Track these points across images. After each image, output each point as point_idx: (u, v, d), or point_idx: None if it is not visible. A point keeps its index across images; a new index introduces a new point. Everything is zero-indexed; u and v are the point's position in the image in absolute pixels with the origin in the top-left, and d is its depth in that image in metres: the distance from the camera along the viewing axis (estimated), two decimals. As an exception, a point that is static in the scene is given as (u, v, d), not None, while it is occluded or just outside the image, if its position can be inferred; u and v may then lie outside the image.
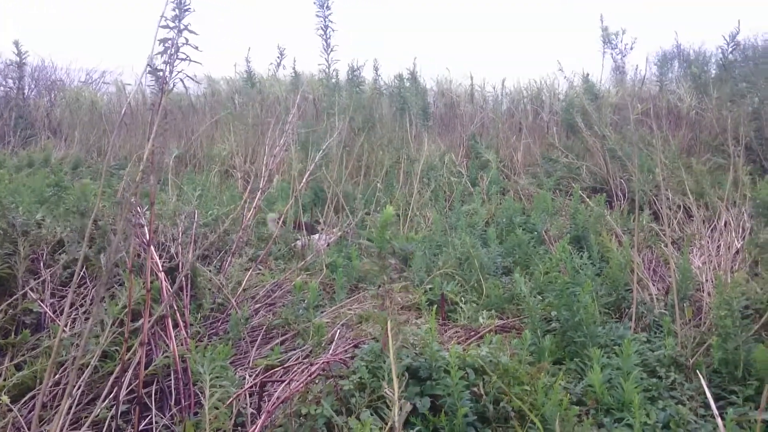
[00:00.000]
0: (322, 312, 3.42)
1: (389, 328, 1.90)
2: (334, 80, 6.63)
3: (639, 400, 2.62)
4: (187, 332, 2.87)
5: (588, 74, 8.08)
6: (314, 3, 6.31)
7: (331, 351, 2.53)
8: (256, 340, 3.04)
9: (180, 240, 3.51)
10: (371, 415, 2.07)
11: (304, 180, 4.44)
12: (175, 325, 2.93)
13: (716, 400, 2.83)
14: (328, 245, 4.68)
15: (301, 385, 2.08)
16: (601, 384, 2.62)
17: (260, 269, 4.18)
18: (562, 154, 7.62)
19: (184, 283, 3.25)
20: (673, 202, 5.59)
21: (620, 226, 4.80)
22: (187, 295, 3.16)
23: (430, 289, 3.66)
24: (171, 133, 10.30)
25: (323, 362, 2.18)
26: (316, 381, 2.22)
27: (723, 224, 4.85)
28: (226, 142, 8.32)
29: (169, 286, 3.16)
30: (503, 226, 5.17)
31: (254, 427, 1.93)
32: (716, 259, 4.18)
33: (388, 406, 2.11)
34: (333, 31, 6.41)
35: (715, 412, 2.19)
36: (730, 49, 12.90)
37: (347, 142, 6.07)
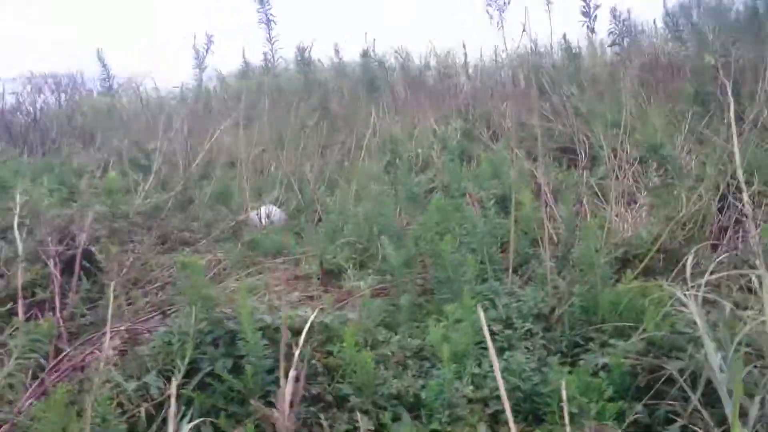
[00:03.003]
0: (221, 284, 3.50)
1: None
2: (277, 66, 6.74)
3: (473, 351, 2.64)
4: (60, 314, 3.01)
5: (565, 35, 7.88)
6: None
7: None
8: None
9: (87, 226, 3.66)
10: (158, 377, 2.16)
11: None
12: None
13: (574, 347, 2.81)
14: (266, 222, 4.76)
15: (96, 352, 2.18)
16: (439, 338, 2.62)
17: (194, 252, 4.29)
18: (544, 117, 7.50)
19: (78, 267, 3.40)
20: (631, 156, 5.45)
21: (557, 182, 4.74)
22: (75, 279, 3.31)
23: (333, 258, 3.71)
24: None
25: (117, 330, 2.28)
26: (125, 347, 2.32)
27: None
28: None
29: (56, 272, 3.32)
30: (453, 193, 5.16)
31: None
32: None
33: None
34: (275, 24, 6.55)
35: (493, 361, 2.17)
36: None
37: (305, 124, 6.16)
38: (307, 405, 2.27)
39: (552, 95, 6.96)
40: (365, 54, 7.61)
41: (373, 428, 2.16)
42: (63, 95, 14.85)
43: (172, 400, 1.33)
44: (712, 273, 3.21)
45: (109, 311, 1.98)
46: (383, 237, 3.24)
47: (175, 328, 2.33)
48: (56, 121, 13.24)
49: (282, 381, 1.17)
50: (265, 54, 6.87)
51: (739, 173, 1.54)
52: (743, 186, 1.55)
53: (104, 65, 9.38)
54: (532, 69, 9.91)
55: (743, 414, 1.91)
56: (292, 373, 1.22)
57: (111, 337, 2.30)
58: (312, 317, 2.57)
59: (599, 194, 4.47)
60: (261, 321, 2.45)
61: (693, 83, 6.42)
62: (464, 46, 10.13)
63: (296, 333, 2.50)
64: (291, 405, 1.68)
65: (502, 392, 1.36)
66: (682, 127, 4.58)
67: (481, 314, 1.49)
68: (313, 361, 2.38)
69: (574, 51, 7.74)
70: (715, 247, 3.70)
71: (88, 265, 3.49)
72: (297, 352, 2.39)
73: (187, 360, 2.21)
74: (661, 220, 3.34)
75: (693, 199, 3.36)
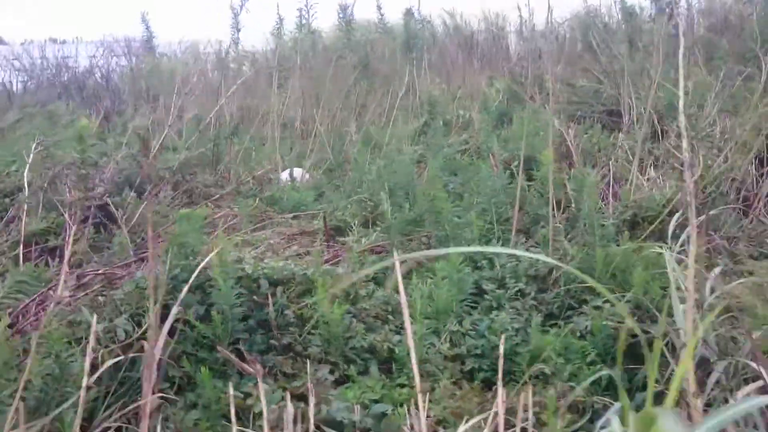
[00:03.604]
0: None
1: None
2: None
3: (458, 309, 2.59)
4: (68, 260, 3.10)
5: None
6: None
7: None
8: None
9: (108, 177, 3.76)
10: (128, 321, 2.20)
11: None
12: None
13: (568, 309, 2.72)
14: (290, 179, 4.77)
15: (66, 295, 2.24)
16: (423, 295, 2.58)
17: (212, 207, 4.35)
18: (593, 78, 7.22)
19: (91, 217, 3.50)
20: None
21: (590, 145, 4.56)
22: (87, 228, 3.41)
23: (341, 215, 3.70)
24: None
25: (93, 274, 2.34)
26: (104, 292, 2.38)
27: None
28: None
29: (70, 221, 3.43)
30: (483, 154, 5.05)
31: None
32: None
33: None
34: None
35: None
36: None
37: (342, 82, 6.11)
38: (276, 354, 2.29)
39: (601, 56, 6.67)
40: (408, 13, 7.47)
41: (333, 379, 2.15)
42: (134, 58, 15.20)
43: (92, 336, 1.34)
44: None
45: (66, 254, 2.02)
46: (382, 194, 3.19)
47: (148, 273, 2.36)
48: (128, 83, 13.59)
49: (152, 318, 1.16)
50: (300, 10, 6.83)
51: (681, 105, 1.38)
52: (683, 129, 1.41)
53: (147, 27, 9.53)
54: (582, 29, 9.58)
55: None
56: (174, 310, 1.21)
57: (89, 280, 2.36)
58: (293, 268, 2.59)
59: (632, 157, 4.28)
60: (241, 270, 2.47)
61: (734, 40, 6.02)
62: (519, 8, 9.86)
63: (276, 284, 2.53)
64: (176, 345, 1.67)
65: (412, 349, 1.31)
66: (714, 87, 4.31)
67: (397, 266, 1.43)
68: (287, 312, 2.38)
69: (629, 11, 7.38)
70: (746, 213, 3.53)
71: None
72: (271, 302, 2.43)
73: (158, 305, 2.24)
74: (679, 183, 3.18)
75: (717, 161, 3.16)
